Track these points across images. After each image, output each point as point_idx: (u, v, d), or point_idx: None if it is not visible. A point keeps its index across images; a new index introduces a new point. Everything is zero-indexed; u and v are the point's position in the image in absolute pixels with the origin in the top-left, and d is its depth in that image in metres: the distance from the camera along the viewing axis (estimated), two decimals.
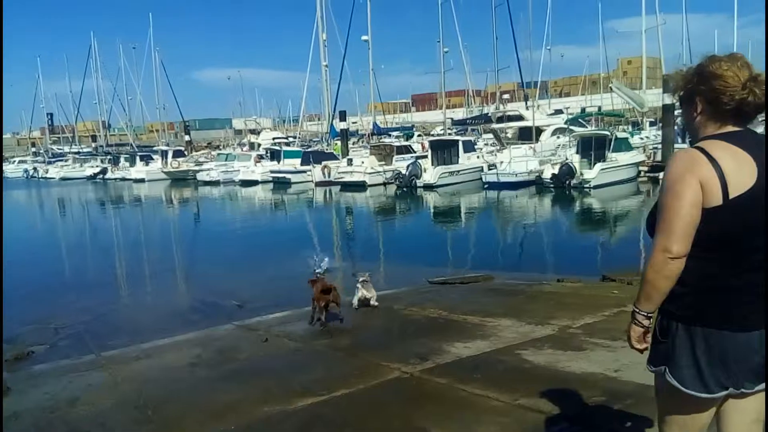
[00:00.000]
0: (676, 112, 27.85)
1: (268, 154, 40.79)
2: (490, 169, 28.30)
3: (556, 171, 25.50)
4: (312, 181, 33.88)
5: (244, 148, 49.53)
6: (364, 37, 44.37)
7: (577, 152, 26.42)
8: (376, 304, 7.41)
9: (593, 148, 25.79)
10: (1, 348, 5.95)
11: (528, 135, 32.52)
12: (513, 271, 11.12)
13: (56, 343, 7.73)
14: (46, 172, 57.94)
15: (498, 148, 31.98)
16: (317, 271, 7.62)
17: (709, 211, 1.96)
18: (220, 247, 17.15)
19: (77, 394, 5.12)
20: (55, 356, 6.90)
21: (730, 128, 2.07)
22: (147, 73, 62.60)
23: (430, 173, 29.43)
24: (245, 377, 5.27)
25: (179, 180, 43.27)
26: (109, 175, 50.02)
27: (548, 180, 25.78)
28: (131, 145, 61.97)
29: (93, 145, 68.46)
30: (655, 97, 39.24)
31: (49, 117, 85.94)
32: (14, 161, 67.99)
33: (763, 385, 2.07)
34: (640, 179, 26.70)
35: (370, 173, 31.60)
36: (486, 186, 27.74)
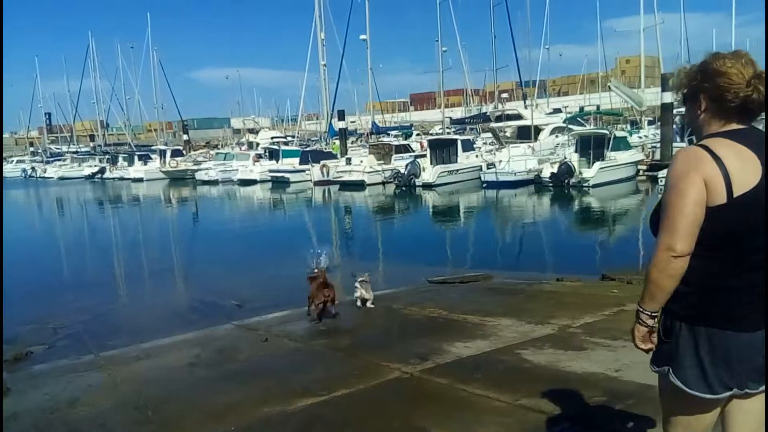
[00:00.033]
0: (674, 111, 27.92)
1: (267, 154, 40.78)
2: (488, 168, 28.30)
3: (555, 170, 25.47)
4: (311, 180, 33.86)
5: (243, 148, 49.48)
6: (363, 37, 44.39)
7: (575, 151, 26.42)
8: (372, 306, 7.41)
9: (592, 147, 25.79)
10: (1, 348, 5.94)
11: (527, 134, 32.52)
12: (512, 271, 11.10)
13: (55, 344, 7.71)
14: (44, 172, 57.80)
15: (497, 147, 31.96)
16: (316, 269, 7.59)
17: (713, 210, 1.94)
18: (218, 246, 17.13)
19: (77, 395, 5.10)
20: (55, 356, 6.88)
21: (735, 126, 2.05)
22: (145, 73, 62.68)
23: (429, 172, 29.41)
24: (245, 377, 5.26)
25: (178, 179, 43.22)
26: (107, 174, 49.94)
27: (547, 179, 25.77)
28: (129, 144, 61.91)
29: (91, 144, 68.50)
30: (653, 96, 39.26)
31: (47, 116, 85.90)
32: (12, 161, 67.77)
33: None
34: (638, 178, 26.72)
35: (368, 172, 31.56)
36: (485, 185, 27.73)
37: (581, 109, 46.73)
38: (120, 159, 51.45)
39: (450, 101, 65.59)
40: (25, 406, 4.91)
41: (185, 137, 59.49)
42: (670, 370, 2.10)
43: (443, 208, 25.45)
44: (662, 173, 22.42)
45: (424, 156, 32.23)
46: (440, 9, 44.64)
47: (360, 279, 7.51)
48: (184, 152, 50.60)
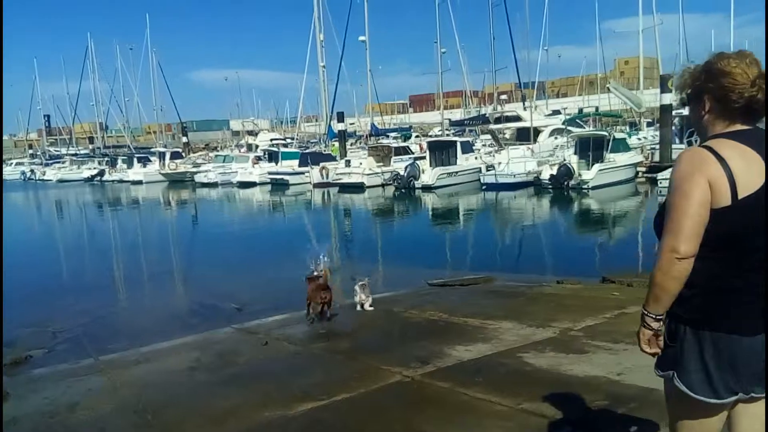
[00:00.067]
0: (673, 113, 27.92)
1: (266, 156, 40.79)
2: (488, 170, 28.27)
3: (554, 172, 25.47)
4: (310, 182, 33.85)
5: (242, 150, 49.47)
6: (362, 38, 44.43)
7: (575, 153, 26.40)
8: (371, 308, 7.41)
9: (591, 149, 25.76)
10: (1, 352, 5.92)
11: (526, 136, 32.53)
12: (512, 273, 11.08)
13: (55, 347, 7.70)
14: (43, 174, 57.75)
15: (496, 149, 31.98)
16: (315, 271, 7.59)
17: (718, 212, 1.93)
18: (218, 249, 17.11)
19: (76, 399, 5.09)
20: (54, 360, 6.86)
21: (739, 126, 2.04)
22: (144, 75, 62.80)
23: (429, 174, 29.40)
24: (245, 381, 5.24)
25: (177, 182, 43.16)
26: (106, 177, 49.88)
27: (546, 181, 25.76)
28: (129, 146, 61.90)
29: (90, 146, 68.36)
30: (652, 98, 39.26)
31: (46, 119, 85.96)
32: (11, 163, 67.76)
33: None
34: (638, 180, 26.69)
35: (368, 174, 31.54)
36: (484, 187, 27.71)
37: (580, 110, 46.73)
38: (119, 161, 51.38)
39: (449, 103, 65.64)
40: (24, 411, 4.90)
41: (184, 139, 59.50)
42: (675, 375, 2.09)
43: (443, 210, 25.45)
44: (661, 175, 22.44)
45: (424, 158, 32.23)
46: (439, 10, 44.67)
47: (359, 282, 7.52)
48: (183, 154, 50.63)
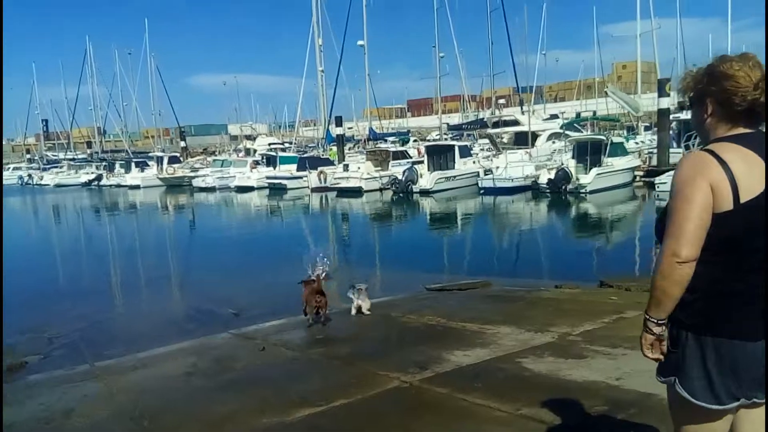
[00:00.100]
0: (671, 117, 27.99)
1: (264, 160, 40.76)
2: (486, 175, 28.28)
3: (552, 176, 25.49)
4: (308, 187, 33.83)
5: (240, 154, 49.44)
6: (360, 43, 44.69)
7: (572, 157, 26.45)
8: (369, 313, 7.41)
9: (589, 153, 25.80)
10: (1, 358, 5.90)
11: (524, 140, 32.55)
12: (510, 278, 11.07)
13: (50, 353, 7.66)
14: (41, 179, 57.62)
15: (494, 153, 32.00)
16: (313, 276, 7.58)
17: (720, 216, 1.92)
18: (215, 254, 17.07)
19: (72, 405, 5.05)
20: (50, 366, 6.82)
21: (742, 130, 2.02)
22: (142, 79, 62.92)
23: (427, 179, 29.41)
24: (242, 387, 5.21)
25: (175, 186, 43.13)
26: (104, 181, 49.83)
27: (544, 185, 25.77)
28: (127, 151, 61.90)
29: (88, 151, 68.37)
30: (649, 102, 39.39)
31: (44, 123, 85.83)
32: (9, 168, 67.67)
33: None
34: (635, 184, 26.74)
35: (366, 179, 31.53)
36: (482, 191, 27.73)
37: (578, 114, 46.75)
38: (117, 166, 51.39)
39: (447, 107, 65.80)
40: (20, 417, 4.86)
41: (182, 144, 59.44)
42: (677, 381, 2.07)
43: (441, 215, 25.45)
44: (659, 179, 22.47)
45: (422, 162, 32.23)
46: (437, 15, 44.91)
47: (357, 287, 7.51)
48: (181, 159, 50.57)
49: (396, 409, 4.47)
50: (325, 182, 33.41)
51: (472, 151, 34.31)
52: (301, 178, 34.81)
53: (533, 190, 26.60)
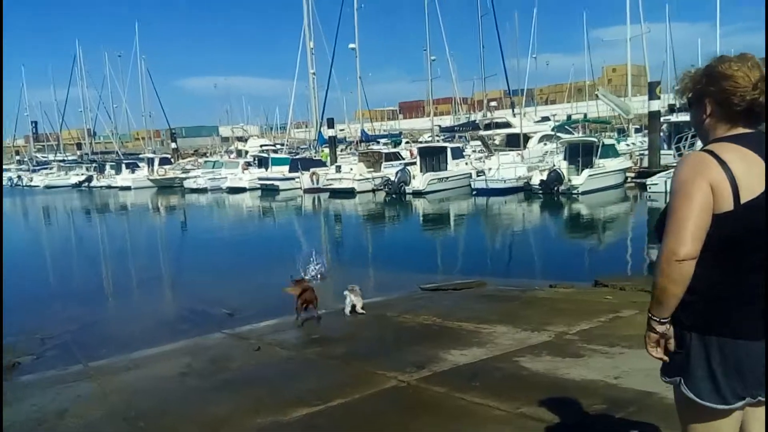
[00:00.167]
0: (661, 119, 28.15)
1: (256, 162, 40.64)
2: (478, 176, 28.34)
3: (544, 177, 25.56)
4: (300, 188, 33.76)
5: (232, 156, 49.28)
6: (352, 45, 44.62)
7: (564, 159, 26.54)
8: (363, 311, 7.42)
9: (581, 155, 25.93)
10: (1, 359, 5.83)
11: (515, 142, 32.60)
12: (504, 277, 11.07)
13: (43, 354, 7.58)
14: (31, 181, 57.23)
15: (486, 154, 32.05)
16: (297, 278, 7.63)
17: (720, 217, 1.90)
18: (208, 255, 16.99)
19: (65, 406, 4.99)
20: (42, 367, 6.75)
21: (741, 130, 2.01)
22: (133, 81, 62.68)
23: (419, 180, 29.42)
24: (237, 387, 5.16)
25: (166, 187, 42.92)
26: (94, 183, 49.57)
27: (537, 186, 25.84)
28: (117, 152, 61.58)
29: (78, 153, 67.99)
30: (640, 105, 39.56)
31: (33, 125, 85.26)
32: None
33: None
34: (627, 185, 26.87)
35: (358, 180, 31.53)
36: (475, 192, 27.77)
37: (569, 117, 46.99)
38: (107, 167, 51.09)
39: (439, 109, 65.87)
40: (12, 418, 4.79)
41: (173, 145, 59.16)
42: (682, 381, 2.05)
43: (434, 216, 25.45)
44: (650, 180, 22.61)
45: (414, 164, 32.25)
46: (429, 18, 44.89)
47: (350, 287, 7.57)
48: (172, 160, 50.33)
49: (394, 408, 4.44)
50: (317, 183, 33.36)
51: (464, 153, 34.33)
52: (293, 179, 34.73)
53: (525, 191, 26.67)
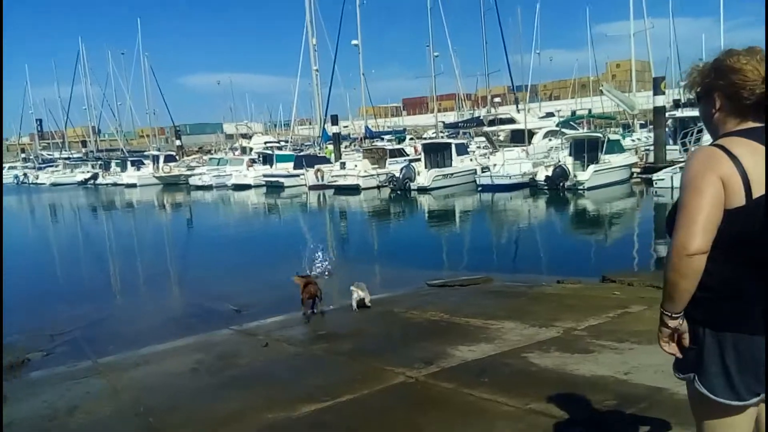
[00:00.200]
0: (666, 114, 28.03)
1: (261, 158, 40.69)
2: (483, 172, 28.29)
3: (549, 173, 25.48)
4: (305, 184, 33.78)
5: (236, 153, 49.36)
6: (354, 42, 44.49)
7: (569, 154, 26.44)
8: (370, 305, 7.52)
9: (586, 150, 25.82)
10: (1, 357, 5.85)
11: (520, 138, 32.55)
12: (511, 273, 11.06)
13: (53, 350, 7.60)
14: (37, 178, 57.49)
15: (491, 150, 31.99)
16: (302, 274, 7.77)
17: (731, 212, 1.88)
18: (214, 251, 17.00)
19: (75, 402, 5.01)
20: (52, 363, 6.79)
21: (751, 124, 1.99)
22: (136, 79, 62.61)
23: (424, 176, 29.39)
24: (246, 383, 5.18)
25: (171, 185, 42.99)
26: (100, 180, 49.69)
27: (542, 182, 25.77)
28: (122, 150, 61.74)
29: (83, 150, 68.21)
30: (644, 100, 39.46)
31: (38, 123, 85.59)
32: (5, 167, 67.35)
33: None
34: (633, 180, 26.79)
35: (363, 176, 31.53)
36: (480, 188, 27.70)
37: (573, 113, 46.87)
38: (113, 165, 51.22)
39: (442, 106, 65.81)
40: (22, 414, 4.82)
41: (178, 143, 59.36)
42: (696, 378, 2.04)
43: (439, 212, 25.44)
44: (656, 176, 22.52)
45: (419, 160, 32.21)
46: (431, 15, 44.87)
47: (357, 283, 7.66)
48: (177, 157, 50.43)
49: (402, 404, 4.44)
50: (322, 180, 33.35)
51: (468, 149, 34.30)
52: (298, 176, 34.77)
53: (531, 187, 26.60)
